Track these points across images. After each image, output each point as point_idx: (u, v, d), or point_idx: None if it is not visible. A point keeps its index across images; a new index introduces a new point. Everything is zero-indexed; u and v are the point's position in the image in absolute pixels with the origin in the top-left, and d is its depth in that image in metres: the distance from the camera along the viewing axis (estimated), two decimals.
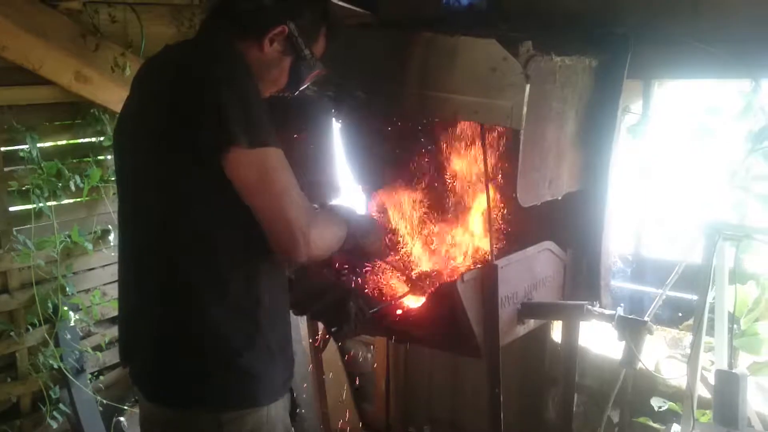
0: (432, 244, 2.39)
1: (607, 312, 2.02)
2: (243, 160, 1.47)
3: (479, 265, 2.18)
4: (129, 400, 3.14)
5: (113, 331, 3.16)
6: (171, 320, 1.57)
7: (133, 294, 1.66)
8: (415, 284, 2.25)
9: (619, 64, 2.20)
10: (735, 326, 2.07)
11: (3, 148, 2.81)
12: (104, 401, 3.04)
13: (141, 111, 1.62)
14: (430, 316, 2.08)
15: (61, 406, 2.95)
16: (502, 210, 2.27)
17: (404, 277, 2.27)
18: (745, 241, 1.81)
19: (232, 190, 1.49)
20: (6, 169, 2.82)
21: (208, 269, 1.54)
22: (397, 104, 2.10)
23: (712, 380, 2.05)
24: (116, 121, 1.77)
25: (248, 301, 1.58)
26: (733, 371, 1.81)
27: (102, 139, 3.05)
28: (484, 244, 2.30)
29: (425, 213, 2.40)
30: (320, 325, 2.61)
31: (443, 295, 2.00)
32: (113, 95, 2.94)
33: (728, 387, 1.79)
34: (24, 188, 2.86)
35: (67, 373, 2.90)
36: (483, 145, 2.05)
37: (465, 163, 2.32)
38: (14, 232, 2.81)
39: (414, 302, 2.23)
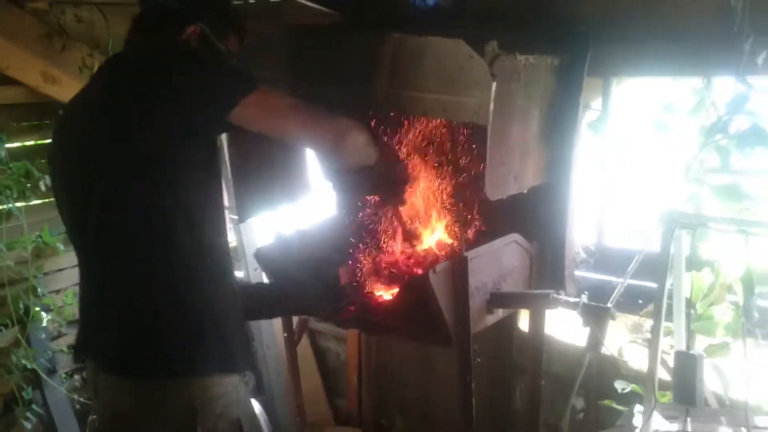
0: (402, 238, 2.45)
1: (572, 300, 2.10)
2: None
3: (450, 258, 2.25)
4: None
5: None
6: (164, 297, 1.72)
7: (108, 280, 1.78)
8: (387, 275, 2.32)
9: (579, 62, 2.26)
10: (692, 311, 2.17)
11: None
12: (81, 399, 3.04)
13: (113, 110, 1.71)
14: (403, 307, 2.14)
15: (34, 406, 2.96)
16: (470, 204, 2.35)
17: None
18: (700, 229, 1.90)
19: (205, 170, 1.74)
20: None
21: (193, 248, 1.74)
22: (369, 103, 2.16)
23: (671, 363, 2.15)
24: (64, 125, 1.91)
25: (220, 286, 1.80)
26: (691, 352, 1.90)
27: None
28: (454, 237, 2.38)
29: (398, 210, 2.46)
30: (295, 319, 2.67)
31: (416, 286, 2.07)
32: None
33: (686, 367, 1.87)
34: None
35: (41, 374, 2.90)
36: (452, 141, 2.13)
37: (434, 159, 2.39)
38: None
39: (385, 294, 2.30)
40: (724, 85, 2.12)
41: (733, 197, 1.99)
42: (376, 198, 2.35)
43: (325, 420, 3.41)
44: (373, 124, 2.35)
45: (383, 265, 2.35)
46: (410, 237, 2.42)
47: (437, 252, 2.38)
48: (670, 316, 2.09)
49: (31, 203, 2.98)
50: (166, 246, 1.71)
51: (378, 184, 2.10)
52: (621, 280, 2.18)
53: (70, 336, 3.17)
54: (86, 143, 1.75)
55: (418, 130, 2.42)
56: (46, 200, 3.02)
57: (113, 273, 1.76)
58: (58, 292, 3.12)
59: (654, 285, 2.12)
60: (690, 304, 2.11)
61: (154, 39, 1.85)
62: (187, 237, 1.72)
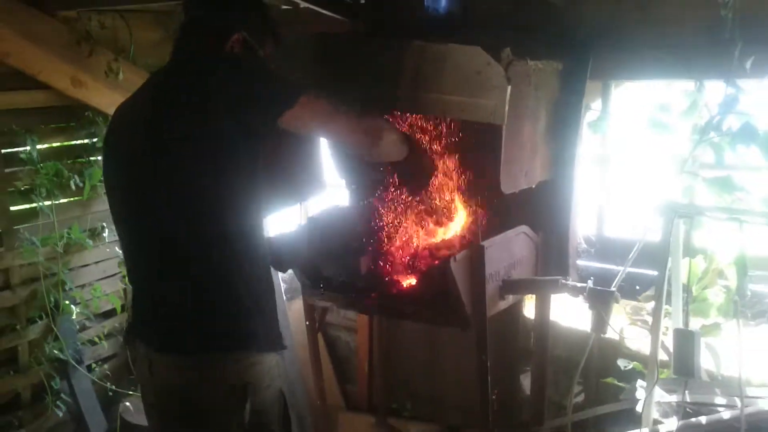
0: (422, 230, 2.63)
1: (579, 285, 2.29)
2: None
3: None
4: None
5: (110, 323, 3.32)
6: (216, 283, 1.88)
7: (175, 266, 1.92)
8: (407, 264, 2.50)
9: (581, 67, 2.45)
10: (687, 295, 2.37)
11: (3, 150, 2.95)
12: (113, 387, 3.20)
13: (169, 114, 1.87)
14: (424, 293, 2.31)
15: (62, 395, 3.11)
16: (483, 198, 2.53)
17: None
18: (697, 218, 2.10)
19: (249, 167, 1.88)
20: (6, 171, 2.96)
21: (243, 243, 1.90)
22: (394, 104, 2.34)
23: (668, 343, 2.35)
24: (113, 131, 2.05)
25: (259, 269, 1.96)
26: (689, 329, 2.10)
27: (95, 140, 3.20)
28: (469, 229, 2.56)
29: (415, 204, 2.63)
30: (317, 309, 2.83)
31: (437, 273, 2.24)
32: (107, 99, 3.10)
33: (685, 343, 2.07)
34: (23, 189, 3.00)
35: (72, 363, 3.05)
36: (467, 140, 2.31)
37: (450, 157, 2.57)
38: (21, 230, 2.94)
39: (406, 282, 2.47)
40: (715, 88, 2.32)
41: (726, 189, 2.19)
42: (399, 191, 2.51)
43: (336, 406, 3.57)
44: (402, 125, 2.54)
45: (403, 254, 2.53)
46: (428, 228, 2.60)
47: (454, 243, 2.55)
48: (667, 300, 2.29)
49: (58, 202, 3.12)
50: (216, 240, 1.86)
51: (405, 178, 2.28)
52: (621, 267, 2.37)
53: (95, 329, 3.32)
54: (133, 150, 1.91)
55: (436, 130, 2.59)
56: (75, 198, 3.17)
57: (171, 264, 1.91)
58: (83, 286, 3.26)
59: (651, 272, 2.32)
60: (686, 287, 2.32)
61: (201, 50, 1.99)
62: (236, 232, 1.88)
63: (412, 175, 2.34)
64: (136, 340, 2.02)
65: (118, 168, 2.01)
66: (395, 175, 2.44)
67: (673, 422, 2.07)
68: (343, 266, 2.52)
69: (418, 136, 2.57)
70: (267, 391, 1.93)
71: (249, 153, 1.89)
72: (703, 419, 2.05)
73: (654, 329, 2.16)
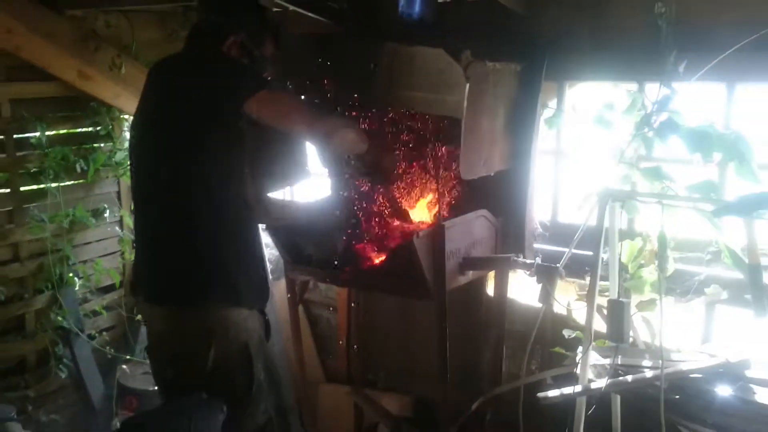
0: (392, 210, 2.91)
1: (528, 261, 2.56)
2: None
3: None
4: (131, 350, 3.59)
5: (110, 297, 3.60)
6: (186, 249, 2.22)
7: (161, 234, 2.26)
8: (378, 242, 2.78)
9: (538, 69, 2.70)
10: (627, 273, 2.66)
11: (15, 136, 3.22)
12: (112, 351, 3.48)
13: (162, 103, 2.24)
14: (392, 267, 2.58)
15: (64, 361, 3.38)
16: (447, 183, 2.81)
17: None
18: (629, 202, 2.38)
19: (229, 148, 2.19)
20: (18, 154, 3.23)
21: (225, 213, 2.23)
22: (369, 99, 2.61)
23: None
24: (137, 112, 2.36)
25: (229, 237, 2.26)
26: (620, 300, 2.38)
27: (99, 128, 3.47)
28: (433, 211, 2.84)
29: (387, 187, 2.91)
30: (296, 283, 3.10)
31: (403, 249, 2.52)
32: (110, 91, 3.38)
33: (617, 312, 2.34)
34: (33, 171, 3.27)
35: (75, 330, 3.33)
36: (433, 132, 2.58)
37: (418, 147, 2.85)
38: (31, 208, 3.22)
39: (377, 258, 2.75)
40: (653, 88, 2.59)
41: (656, 177, 2.47)
42: (368, 180, 2.80)
43: (317, 378, 3.84)
44: (367, 121, 2.81)
45: (374, 234, 2.81)
46: (396, 212, 2.88)
47: (419, 224, 2.83)
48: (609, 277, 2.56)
49: (63, 183, 3.40)
50: (188, 212, 2.20)
51: (370, 169, 2.57)
52: (570, 249, 2.64)
53: (95, 302, 3.60)
54: (143, 134, 2.28)
55: (404, 123, 2.87)
56: (79, 181, 3.45)
57: (155, 233, 2.28)
58: (85, 262, 3.54)
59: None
60: (623, 266, 2.59)
61: (200, 50, 2.31)
62: (206, 207, 2.20)
63: (376, 167, 2.63)
64: (139, 292, 2.37)
65: (138, 146, 2.34)
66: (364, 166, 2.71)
67: (603, 381, 2.35)
68: (322, 245, 2.81)
69: (386, 130, 2.85)
70: (232, 343, 2.24)
71: (224, 138, 2.19)
72: (629, 378, 2.32)
73: (589, 299, 2.43)
